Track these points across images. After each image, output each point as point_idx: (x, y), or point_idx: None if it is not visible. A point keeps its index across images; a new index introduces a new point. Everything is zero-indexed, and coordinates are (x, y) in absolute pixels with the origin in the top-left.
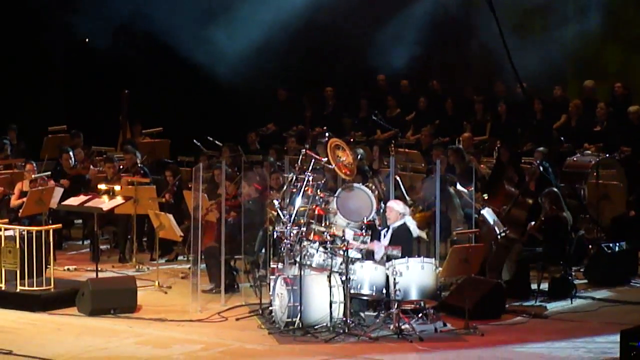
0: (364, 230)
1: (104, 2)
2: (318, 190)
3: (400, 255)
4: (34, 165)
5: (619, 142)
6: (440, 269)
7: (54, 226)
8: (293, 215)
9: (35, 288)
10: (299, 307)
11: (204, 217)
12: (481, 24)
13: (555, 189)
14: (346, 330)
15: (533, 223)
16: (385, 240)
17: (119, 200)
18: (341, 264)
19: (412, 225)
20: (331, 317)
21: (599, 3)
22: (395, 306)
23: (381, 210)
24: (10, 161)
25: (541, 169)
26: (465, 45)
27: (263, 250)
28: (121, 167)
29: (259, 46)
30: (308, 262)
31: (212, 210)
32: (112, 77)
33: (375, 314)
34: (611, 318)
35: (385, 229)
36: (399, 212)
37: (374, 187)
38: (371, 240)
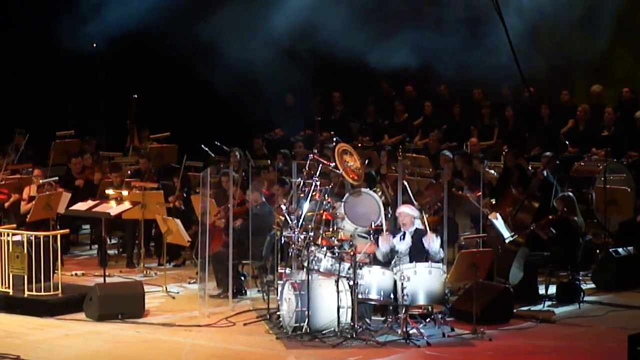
0: (371, 236)
1: (111, 9)
2: (325, 195)
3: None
4: (42, 170)
5: (627, 147)
6: (448, 274)
7: (61, 231)
8: (301, 220)
9: (42, 293)
10: (306, 312)
11: (211, 223)
12: (489, 28)
13: (572, 194)
14: (354, 335)
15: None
16: (404, 244)
17: (126, 205)
18: (349, 268)
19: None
20: (339, 322)
21: (607, 8)
22: (403, 311)
23: (389, 215)
24: (17, 166)
25: (545, 174)
26: (473, 50)
27: (271, 256)
28: (129, 172)
29: (266, 51)
30: (316, 267)
31: (220, 218)
32: (120, 82)
33: (383, 318)
34: (619, 323)
35: (402, 234)
36: (413, 216)
37: (381, 192)
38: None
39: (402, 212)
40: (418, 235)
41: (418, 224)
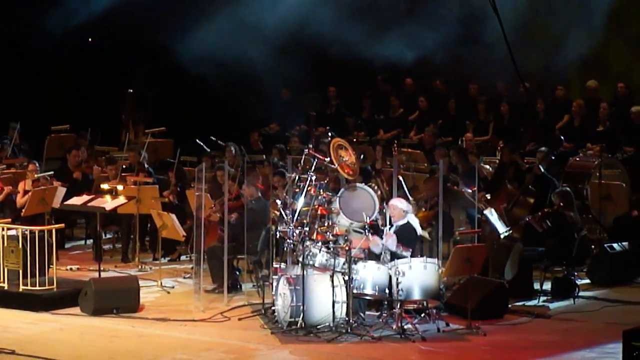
0: (366, 230)
1: (106, 3)
2: (321, 190)
3: (408, 256)
4: (37, 165)
5: (622, 142)
6: (442, 268)
7: (56, 226)
8: (296, 215)
9: (37, 288)
10: (301, 307)
11: (206, 217)
12: (484, 23)
13: (569, 189)
14: (349, 330)
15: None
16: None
17: (121, 200)
18: (344, 263)
19: (416, 223)
20: (334, 317)
21: (603, 3)
22: (398, 306)
23: (384, 210)
24: (12, 161)
25: (541, 169)
26: (468, 45)
27: (266, 250)
28: (124, 166)
29: (261, 46)
30: (311, 262)
31: (215, 212)
32: (115, 76)
33: (377, 313)
34: (614, 318)
35: (388, 227)
36: (402, 209)
37: (376, 187)
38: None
39: (391, 204)
40: (405, 230)
41: (411, 218)
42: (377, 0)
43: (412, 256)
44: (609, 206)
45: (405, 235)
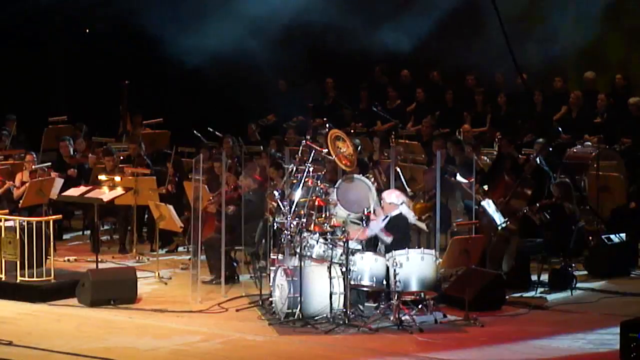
0: (363, 222)
1: None
2: (318, 182)
3: (389, 242)
4: (34, 156)
5: (619, 134)
6: (440, 260)
7: (54, 217)
8: (293, 207)
9: (35, 279)
10: (299, 298)
11: (204, 208)
12: (482, 15)
13: (568, 181)
14: (346, 322)
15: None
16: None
17: (119, 191)
18: (341, 255)
19: (409, 214)
20: (331, 308)
21: None
22: (395, 297)
23: (381, 202)
24: (10, 152)
25: (538, 160)
26: (467, 36)
27: (263, 241)
28: (122, 157)
29: (259, 37)
30: (308, 253)
31: (212, 203)
32: (112, 67)
33: (375, 305)
34: (611, 309)
35: (383, 217)
36: (389, 203)
37: (373, 179)
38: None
39: (382, 196)
40: (397, 220)
41: (403, 209)
42: None
43: (408, 247)
44: (606, 198)
45: (396, 224)
